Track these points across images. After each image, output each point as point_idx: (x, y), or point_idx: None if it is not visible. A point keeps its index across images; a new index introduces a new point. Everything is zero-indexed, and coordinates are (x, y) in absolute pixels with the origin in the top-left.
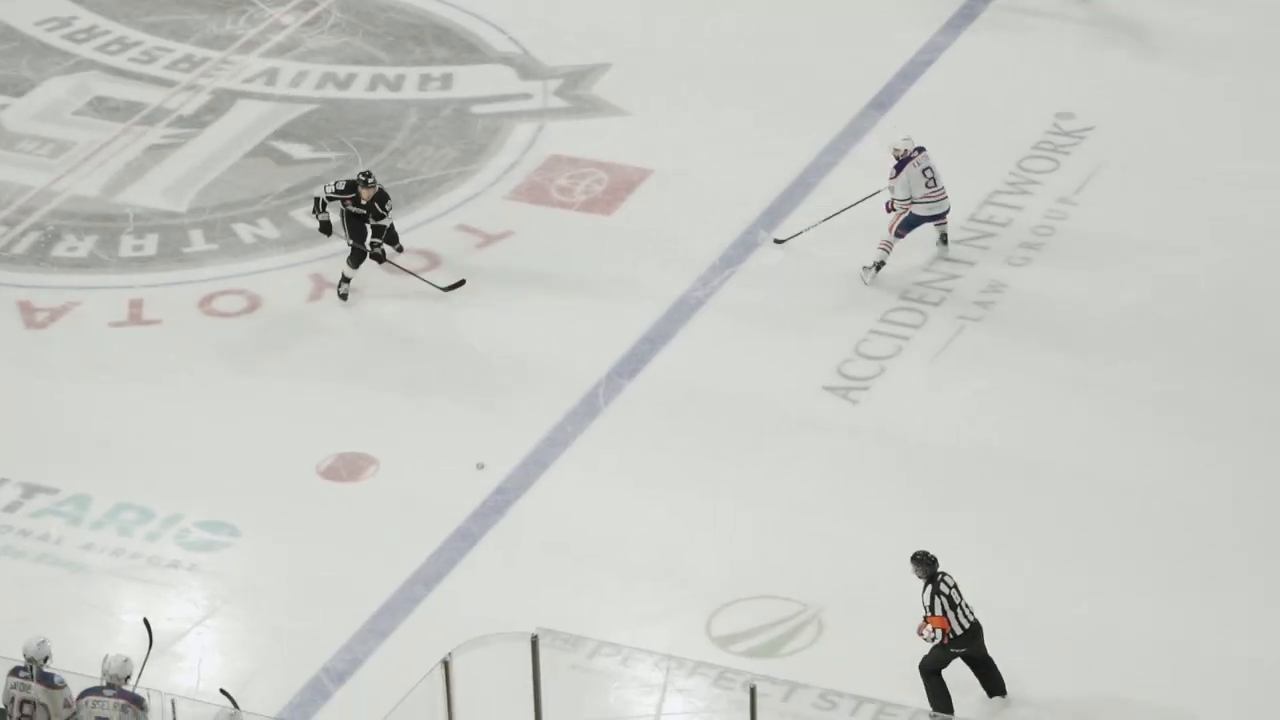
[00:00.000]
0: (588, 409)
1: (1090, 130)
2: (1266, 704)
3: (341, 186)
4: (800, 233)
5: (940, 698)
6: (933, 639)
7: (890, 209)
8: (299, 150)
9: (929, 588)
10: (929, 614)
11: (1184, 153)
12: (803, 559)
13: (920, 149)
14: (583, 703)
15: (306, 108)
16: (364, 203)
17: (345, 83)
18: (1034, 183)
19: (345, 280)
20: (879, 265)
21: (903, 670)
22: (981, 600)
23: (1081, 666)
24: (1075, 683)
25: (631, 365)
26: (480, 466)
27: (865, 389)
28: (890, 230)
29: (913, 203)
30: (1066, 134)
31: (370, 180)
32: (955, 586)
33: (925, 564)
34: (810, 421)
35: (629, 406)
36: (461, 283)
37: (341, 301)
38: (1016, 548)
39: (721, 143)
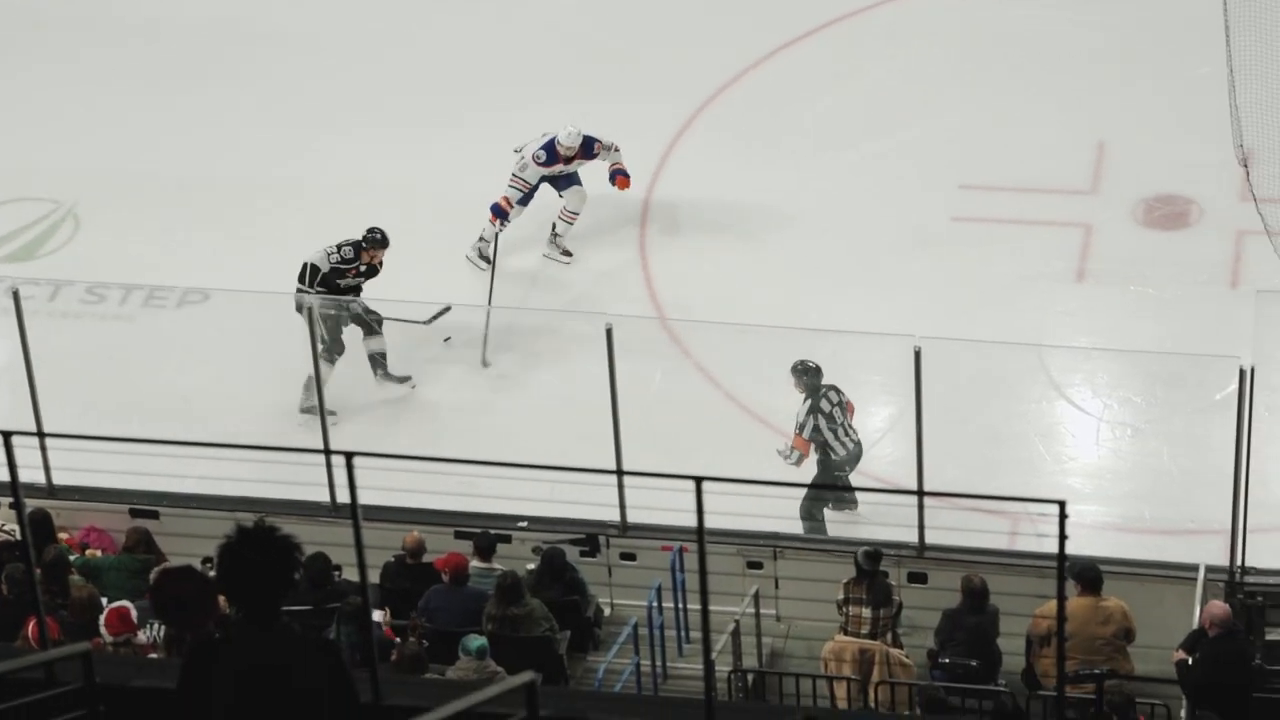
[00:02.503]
0: None
1: None
2: None
3: (350, 254)
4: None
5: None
6: (788, 457)
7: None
8: None
9: (807, 401)
10: (797, 432)
11: None
12: (38, 156)
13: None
14: None
15: None
16: (368, 265)
17: None
18: None
19: (385, 357)
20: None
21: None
22: None
23: None
24: None
25: None
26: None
27: None
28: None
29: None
30: None
31: (383, 237)
32: (839, 404)
33: (806, 375)
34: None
35: None
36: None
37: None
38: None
39: None
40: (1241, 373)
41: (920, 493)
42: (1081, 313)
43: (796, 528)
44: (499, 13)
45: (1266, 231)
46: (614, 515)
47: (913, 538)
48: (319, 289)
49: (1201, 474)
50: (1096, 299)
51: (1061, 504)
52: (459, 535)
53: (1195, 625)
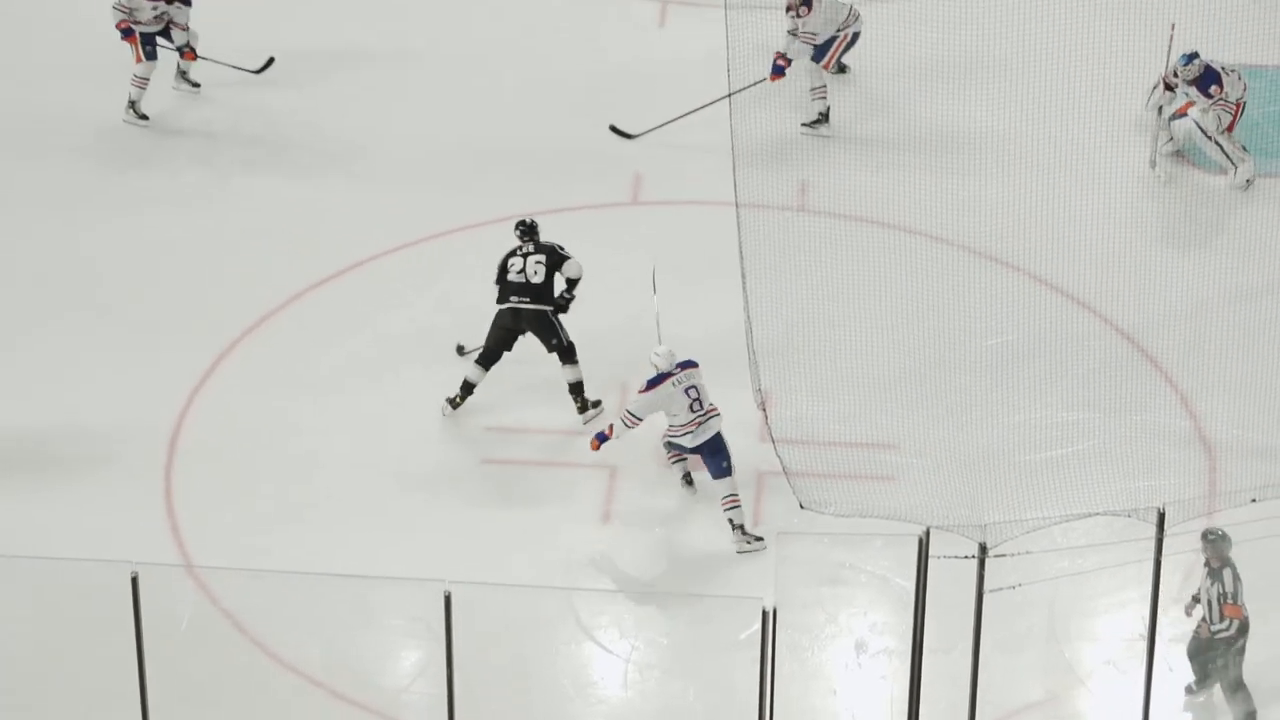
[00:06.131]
0: None
1: None
2: None
3: None
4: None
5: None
6: (1223, 630)
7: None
8: None
9: (1228, 570)
10: (1230, 601)
11: None
12: None
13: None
14: None
15: None
16: None
17: None
18: None
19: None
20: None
21: None
22: None
23: None
24: None
25: None
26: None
27: None
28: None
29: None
30: None
31: None
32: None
33: (1222, 541)
34: None
35: None
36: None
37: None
38: None
39: None
40: (764, 613)
41: None
42: (608, 554)
43: None
44: None
45: (784, 472)
46: None
47: None
48: None
49: (726, 713)
50: (623, 540)
51: None
52: None
53: None
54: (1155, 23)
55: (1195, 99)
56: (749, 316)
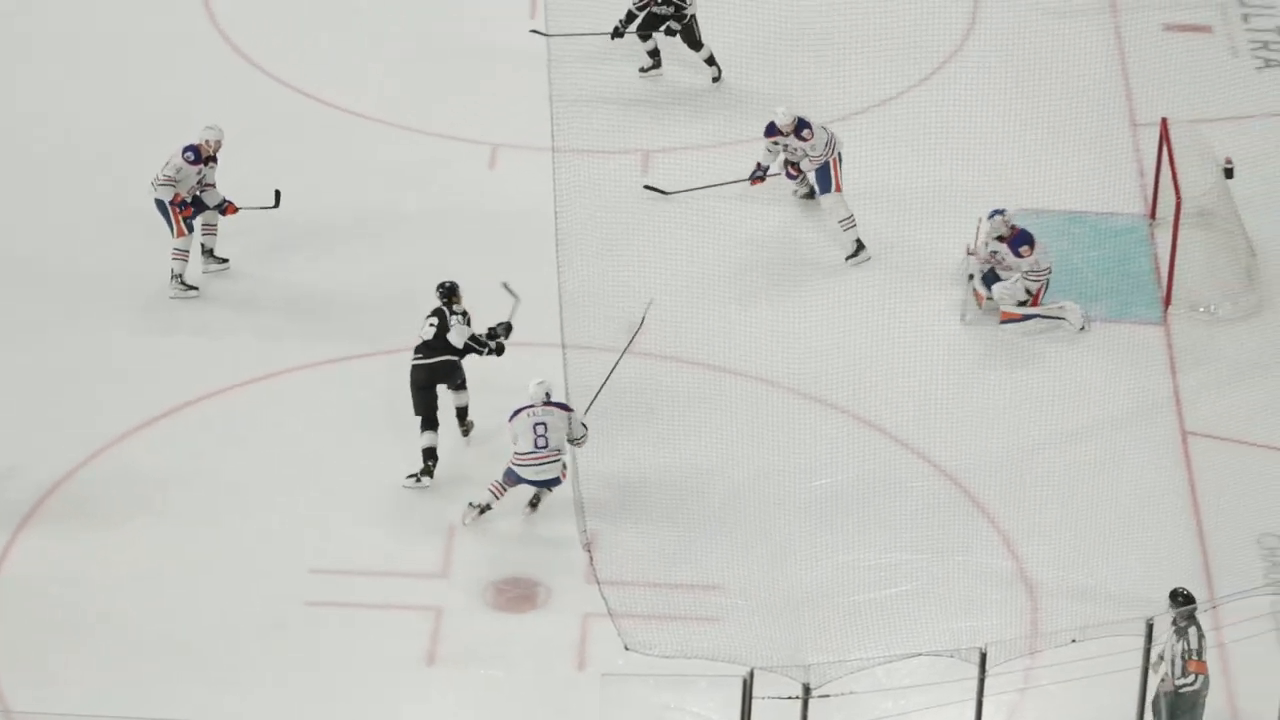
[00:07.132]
0: None
1: None
2: None
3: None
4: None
5: None
6: (1188, 684)
7: None
8: None
9: (1193, 629)
10: (1195, 657)
11: None
12: None
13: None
14: None
15: None
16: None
17: None
18: None
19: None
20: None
21: None
22: None
23: None
24: None
25: None
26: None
27: None
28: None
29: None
30: None
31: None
32: None
33: (1190, 601)
34: None
35: None
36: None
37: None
38: None
39: None
40: None
41: None
42: (434, 697)
43: None
44: None
45: (610, 613)
46: None
47: None
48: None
49: None
50: (448, 683)
51: None
52: None
53: None
54: (988, 165)
55: (1005, 257)
56: (574, 455)
